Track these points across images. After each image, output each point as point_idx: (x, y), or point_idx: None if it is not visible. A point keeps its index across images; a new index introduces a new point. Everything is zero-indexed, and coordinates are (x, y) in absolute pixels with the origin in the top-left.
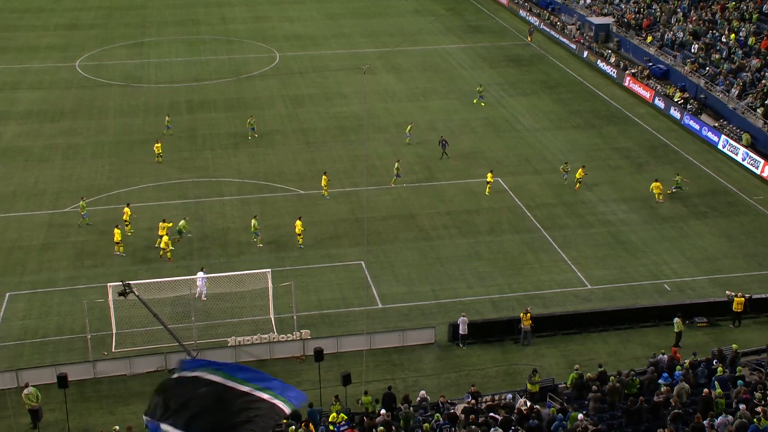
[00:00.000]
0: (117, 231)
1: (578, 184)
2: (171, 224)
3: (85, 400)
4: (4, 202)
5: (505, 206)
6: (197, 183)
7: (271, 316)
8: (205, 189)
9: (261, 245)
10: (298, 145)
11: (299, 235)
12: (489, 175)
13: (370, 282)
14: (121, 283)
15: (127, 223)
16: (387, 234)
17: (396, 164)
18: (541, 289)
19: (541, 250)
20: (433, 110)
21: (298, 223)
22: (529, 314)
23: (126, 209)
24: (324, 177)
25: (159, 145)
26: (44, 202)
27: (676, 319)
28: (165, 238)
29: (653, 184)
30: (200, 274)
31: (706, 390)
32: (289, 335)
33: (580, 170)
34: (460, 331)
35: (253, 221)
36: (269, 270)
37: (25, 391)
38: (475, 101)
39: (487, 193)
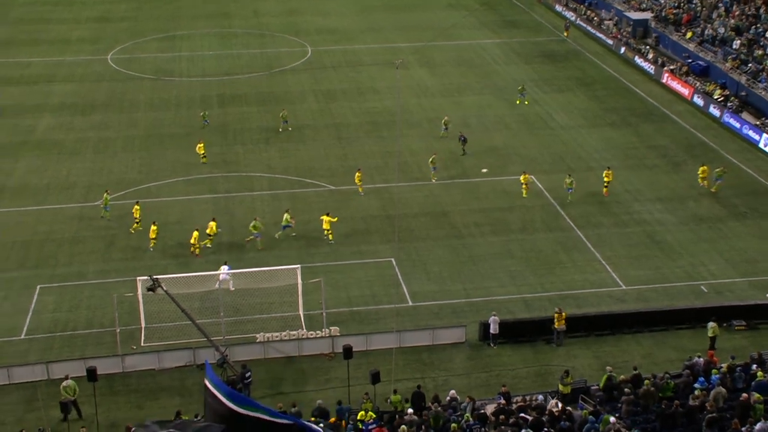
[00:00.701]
0: (154, 228)
1: (606, 188)
2: (215, 223)
3: (114, 394)
4: (38, 195)
5: (539, 204)
6: (227, 177)
7: (300, 312)
8: (235, 184)
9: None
10: (329, 140)
11: (327, 231)
12: (523, 176)
13: (400, 279)
14: (149, 277)
15: (137, 220)
16: (418, 231)
17: (432, 157)
18: (574, 289)
19: (574, 249)
20: (466, 106)
21: (325, 218)
22: (563, 314)
23: (136, 207)
24: (358, 173)
25: (201, 144)
26: (75, 195)
27: (710, 324)
28: (196, 234)
29: (701, 168)
30: (224, 269)
31: (744, 395)
32: (318, 332)
33: (607, 173)
34: (491, 331)
35: (285, 215)
36: (299, 266)
37: (64, 383)
38: (518, 101)
39: (524, 194)
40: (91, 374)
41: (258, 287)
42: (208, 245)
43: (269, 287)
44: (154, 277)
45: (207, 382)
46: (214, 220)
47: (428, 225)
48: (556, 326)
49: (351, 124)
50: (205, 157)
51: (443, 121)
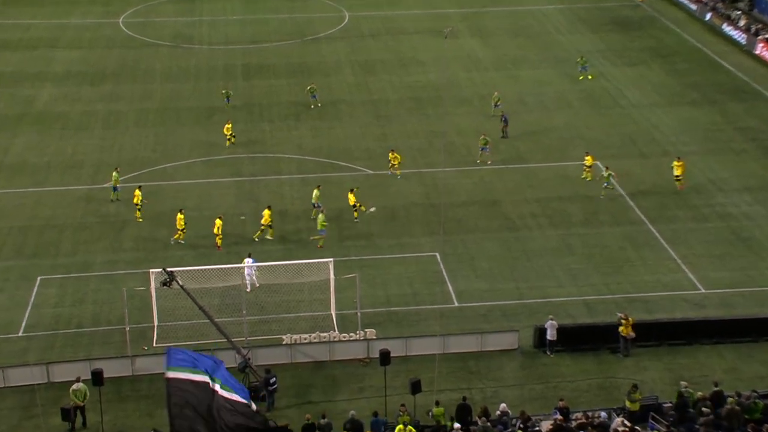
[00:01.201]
0: (180, 216)
1: (679, 182)
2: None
3: (122, 400)
4: (38, 175)
5: (605, 193)
6: (253, 159)
7: (332, 312)
8: (261, 166)
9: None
10: (367, 118)
11: (354, 208)
12: (588, 158)
13: (445, 276)
14: (163, 270)
15: (138, 207)
16: (466, 222)
17: (482, 138)
18: (645, 292)
19: (645, 246)
20: (523, 81)
21: (351, 195)
22: (630, 320)
23: (137, 192)
24: (391, 154)
25: (229, 125)
26: (81, 175)
27: None
28: (219, 223)
29: None
30: (248, 261)
31: None
32: (351, 334)
33: (677, 164)
34: (548, 337)
35: (315, 192)
36: (331, 259)
37: (74, 386)
38: (581, 77)
39: (589, 177)
40: (97, 377)
41: (285, 283)
42: (269, 237)
43: (298, 283)
44: (169, 270)
45: (172, 373)
46: (269, 208)
47: (477, 215)
48: (622, 333)
49: (391, 100)
50: (233, 137)
51: (493, 98)
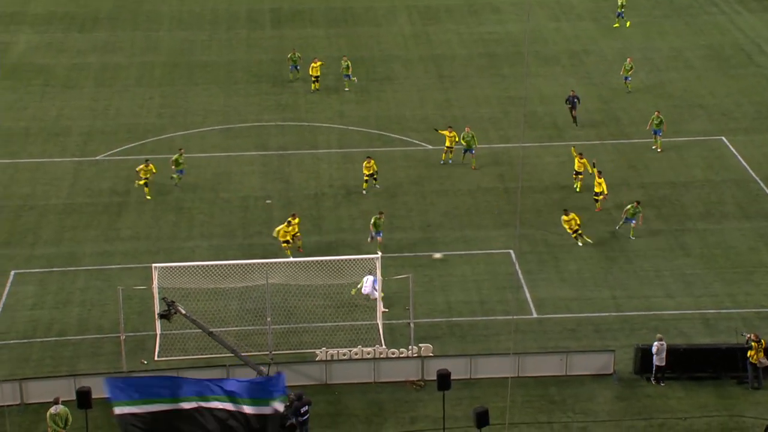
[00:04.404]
0: (290, 225)
1: None
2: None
3: (113, 428)
4: (13, 143)
5: (731, 179)
6: (282, 128)
7: (379, 321)
8: (293, 137)
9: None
10: (427, 79)
11: (367, 179)
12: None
13: (521, 280)
14: (163, 299)
15: (142, 180)
16: (549, 212)
17: (655, 115)
18: None
19: None
20: (627, 34)
21: (366, 165)
22: (762, 342)
23: (143, 166)
24: (447, 132)
25: (318, 64)
26: (69, 145)
27: None
28: (294, 223)
29: None
30: (369, 280)
31: None
32: (402, 350)
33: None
34: (655, 362)
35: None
36: (378, 255)
37: (52, 409)
38: (616, 24)
39: (578, 188)
40: (84, 398)
41: (321, 284)
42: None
43: (336, 284)
44: (169, 300)
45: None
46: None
47: (563, 204)
48: (752, 359)
49: (458, 56)
50: (317, 80)
51: (625, 66)
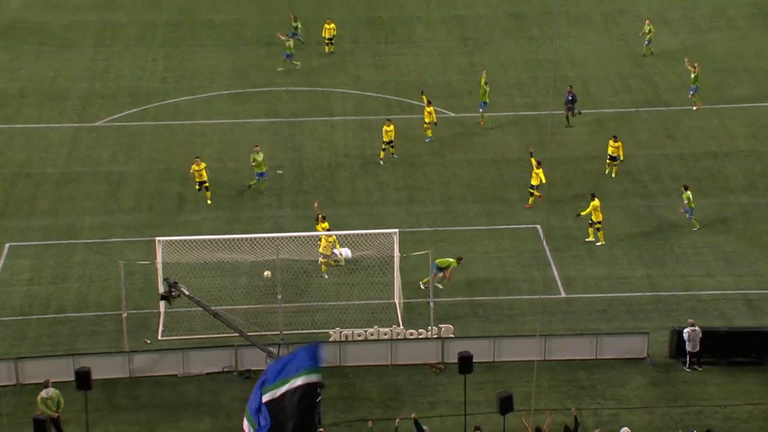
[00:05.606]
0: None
1: None
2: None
3: (115, 410)
4: (7, 106)
5: None
6: (293, 93)
7: (396, 300)
8: (305, 103)
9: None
10: (449, 41)
11: (384, 147)
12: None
13: (549, 257)
14: (165, 281)
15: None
16: (580, 184)
17: (693, 72)
18: None
19: None
20: None
21: (385, 129)
22: None
23: (197, 166)
24: (427, 106)
25: (332, 26)
26: (66, 109)
27: None
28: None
29: None
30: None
31: None
32: (421, 331)
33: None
34: (688, 348)
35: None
36: (396, 230)
37: (43, 392)
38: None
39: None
40: (83, 379)
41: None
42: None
43: (351, 260)
44: (172, 281)
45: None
46: (323, 220)
47: (594, 175)
48: None
49: (482, 16)
50: (331, 43)
51: (645, 28)
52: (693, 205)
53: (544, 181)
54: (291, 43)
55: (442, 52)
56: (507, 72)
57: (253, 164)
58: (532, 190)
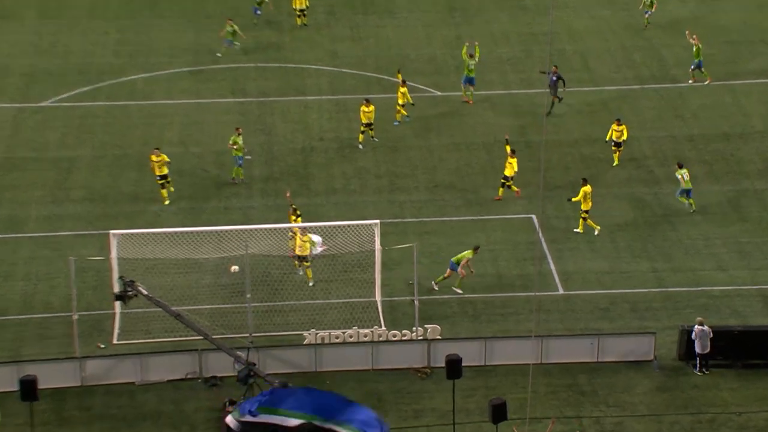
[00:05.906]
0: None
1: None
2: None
3: (65, 423)
4: None
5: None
6: (263, 70)
7: (377, 298)
8: (276, 81)
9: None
10: (435, 12)
11: (363, 129)
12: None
13: (545, 250)
14: (120, 279)
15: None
16: (578, 169)
17: (695, 46)
18: None
19: None
20: None
21: (364, 110)
22: None
23: (157, 157)
24: (400, 84)
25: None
26: (7, 87)
27: None
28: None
29: None
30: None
31: None
32: (405, 332)
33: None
34: (697, 349)
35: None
36: (377, 221)
37: None
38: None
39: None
40: (28, 389)
41: (310, 254)
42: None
43: (327, 254)
44: (128, 279)
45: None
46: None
47: (595, 159)
48: None
49: None
50: (303, 15)
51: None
52: (689, 185)
53: (515, 169)
54: (232, 29)
55: (427, 24)
56: (498, 47)
57: (234, 147)
58: (504, 181)
